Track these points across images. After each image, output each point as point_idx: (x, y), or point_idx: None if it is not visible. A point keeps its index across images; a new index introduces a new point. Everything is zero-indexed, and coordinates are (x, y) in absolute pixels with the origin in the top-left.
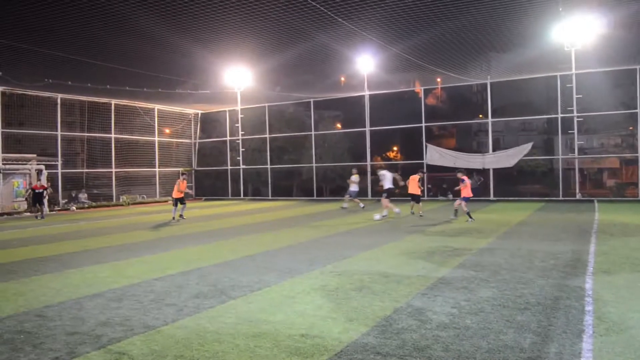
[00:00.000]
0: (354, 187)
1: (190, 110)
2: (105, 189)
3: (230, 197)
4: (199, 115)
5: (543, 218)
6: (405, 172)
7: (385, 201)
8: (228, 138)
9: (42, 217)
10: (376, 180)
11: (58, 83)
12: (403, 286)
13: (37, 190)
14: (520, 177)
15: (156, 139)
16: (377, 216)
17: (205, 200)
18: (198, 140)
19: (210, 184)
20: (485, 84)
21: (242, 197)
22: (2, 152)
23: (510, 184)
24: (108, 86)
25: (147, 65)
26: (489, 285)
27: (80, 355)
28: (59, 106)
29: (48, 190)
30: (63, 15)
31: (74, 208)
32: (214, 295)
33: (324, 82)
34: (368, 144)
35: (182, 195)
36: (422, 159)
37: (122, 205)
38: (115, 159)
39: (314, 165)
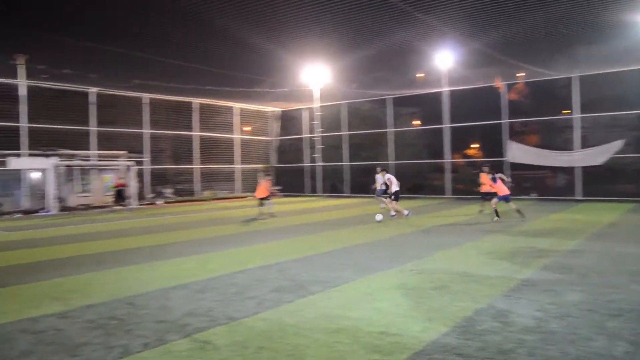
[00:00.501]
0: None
1: (269, 108)
2: (188, 185)
3: (307, 193)
4: (278, 113)
5: (635, 220)
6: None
7: (393, 203)
8: (306, 135)
9: (124, 211)
10: (456, 179)
11: (145, 84)
12: (484, 287)
13: (119, 187)
14: (610, 176)
15: (237, 136)
16: (379, 216)
17: (284, 196)
18: (277, 138)
19: (289, 181)
20: (572, 78)
21: (319, 193)
22: (95, 150)
23: (598, 183)
24: (192, 86)
25: (227, 65)
26: (576, 289)
27: (167, 342)
28: (147, 105)
29: (131, 185)
30: (149, 19)
31: (160, 202)
32: (293, 290)
33: (400, 78)
34: (448, 141)
35: (267, 194)
36: (504, 157)
37: (204, 200)
38: (198, 156)
39: (391, 162)
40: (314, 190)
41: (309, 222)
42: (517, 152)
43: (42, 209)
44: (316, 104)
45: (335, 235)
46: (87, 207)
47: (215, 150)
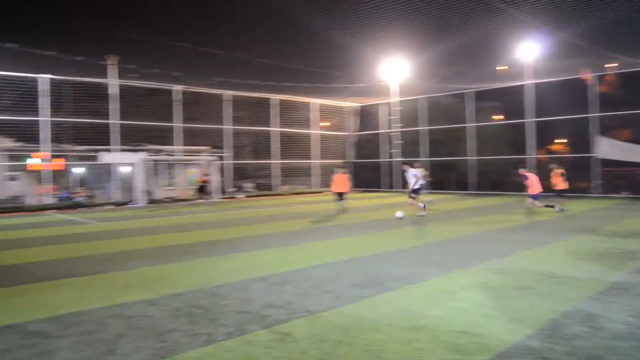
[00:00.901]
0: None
1: (347, 104)
2: (267, 179)
3: (384, 189)
4: (355, 108)
5: None
6: (575, 166)
7: (411, 200)
8: (383, 131)
9: (203, 204)
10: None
11: (227, 81)
12: (571, 289)
13: (203, 183)
14: None
15: (314, 132)
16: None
17: (362, 191)
18: (354, 133)
19: (366, 176)
20: None
21: (396, 189)
22: (180, 145)
23: None
24: (271, 82)
25: (306, 61)
26: None
27: (249, 332)
28: (230, 102)
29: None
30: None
31: (240, 196)
32: (371, 285)
33: (481, 71)
34: (532, 136)
35: (347, 188)
36: (593, 153)
37: (282, 194)
38: (277, 151)
39: (470, 158)
40: (390, 186)
41: (385, 218)
42: (608, 148)
43: (131, 201)
44: (394, 99)
45: (413, 231)
46: (172, 200)
47: (293, 146)
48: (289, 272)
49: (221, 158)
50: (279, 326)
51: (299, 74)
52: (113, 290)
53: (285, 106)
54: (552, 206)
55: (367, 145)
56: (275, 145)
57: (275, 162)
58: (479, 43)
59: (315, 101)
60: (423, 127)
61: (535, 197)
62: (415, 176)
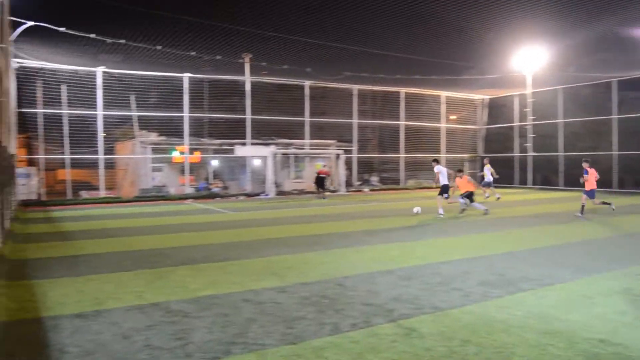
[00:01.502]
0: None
1: (477, 96)
2: (393, 173)
3: (516, 185)
4: (486, 100)
5: None
6: None
7: (439, 198)
8: (516, 124)
9: (324, 198)
10: None
11: (355, 75)
12: None
13: (321, 175)
14: None
15: (442, 125)
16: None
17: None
18: (484, 126)
19: (496, 172)
20: None
21: (529, 185)
22: (308, 139)
23: None
24: (398, 76)
25: (435, 52)
26: None
27: (374, 325)
28: (355, 96)
29: (340, 173)
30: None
31: (366, 190)
32: (501, 285)
33: (627, 58)
34: None
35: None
36: None
37: (408, 189)
38: (403, 145)
39: (614, 153)
40: (523, 182)
41: (517, 215)
42: None
43: (262, 192)
44: (528, 90)
45: (546, 230)
46: (300, 192)
47: (420, 140)
48: (416, 267)
49: (348, 151)
50: (405, 321)
51: (427, 66)
52: (245, 277)
53: (411, 99)
54: (609, 203)
55: (498, 139)
56: (402, 139)
57: (402, 155)
58: (626, 27)
59: (445, 94)
60: (560, 120)
61: (590, 193)
62: (438, 172)
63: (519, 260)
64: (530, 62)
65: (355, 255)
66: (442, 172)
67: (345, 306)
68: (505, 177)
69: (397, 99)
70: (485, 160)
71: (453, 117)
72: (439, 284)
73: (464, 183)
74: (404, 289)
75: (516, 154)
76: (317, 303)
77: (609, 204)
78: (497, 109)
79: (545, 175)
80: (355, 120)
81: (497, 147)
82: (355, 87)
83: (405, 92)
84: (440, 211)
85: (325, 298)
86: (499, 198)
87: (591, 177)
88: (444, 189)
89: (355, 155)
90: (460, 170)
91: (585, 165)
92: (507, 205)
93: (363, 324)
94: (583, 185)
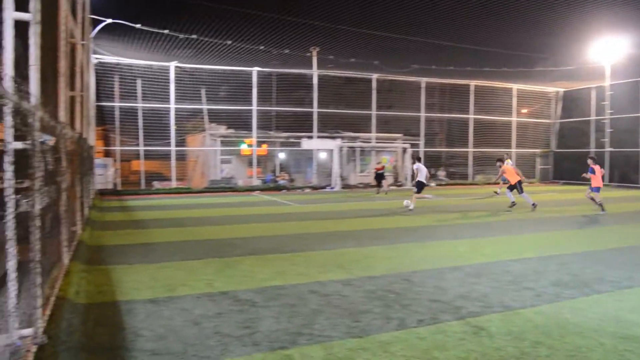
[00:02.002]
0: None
1: (551, 89)
2: (461, 168)
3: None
4: (560, 93)
5: None
6: None
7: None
8: (593, 117)
9: (380, 193)
10: None
11: (424, 68)
12: None
13: (378, 171)
14: None
15: (514, 119)
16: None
17: (563, 184)
18: (558, 120)
19: (570, 168)
20: None
21: (606, 183)
22: (374, 132)
23: None
24: (468, 68)
25: (507, 44)
26: None
27: (441, 322)
28: (423, 89)
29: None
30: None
31: (433, 185)
32: (575, 286)
33: None
34: None
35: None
36: None
37: (476, 184)
38: (472, 139)
39: None
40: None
41: (592, 214)
42: None
43: (328, 185)
44: (607, 82)
45: (624, 229)
46: (366, 186)
47: (489, 134)
48: (485, 264)
49: (414, 145)
50: (473, 319)
51: (499, 58)
52: (311, 268)
53: (482, 92)
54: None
55: (572, 134)
56: (471, 133)
57: (470, 150)
58: None
59: (516, 86)
60: None
61: (596, 190)
62: (417, 169)
63: (594, 261)
64: (609, 52)
65: (422, 251)
66: (420, 170)
67: (412, 302)
68: (580, 173)
69: (466, 91)
70: (419, 159)
71: (525, 110)
72: (510, 282)
73: (511, 173)
74: (473, 286)
75: (592, 149)
76: (383, 297)
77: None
78: (572, 102)
79: (624, 172)
80: (422, 114)
81: (572, 142)
82: (424, 80)
83: (475, 85)
84: (411, 206)
85: (392, 293)
86: (497, 193)
87: (597, 174)
88: (419, 185)
89: (422, 149)
90: (501, 160)
91: (590, 162)
92: (582, 203)
93: (430, 320)
94: (591, 182)
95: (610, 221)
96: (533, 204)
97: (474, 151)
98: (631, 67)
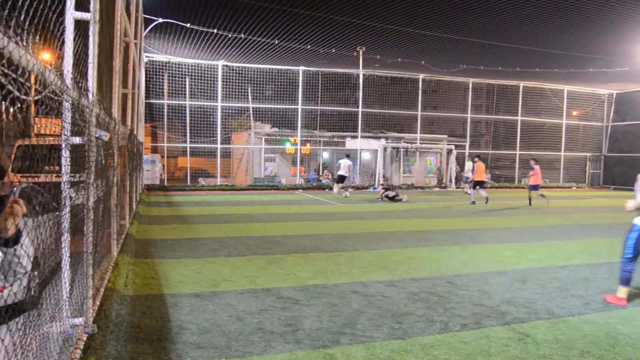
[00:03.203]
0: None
1: (603, 91)
2: (507, 171)
3: None
4: (613, 95)
5: None
6: None
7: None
8: None
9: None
10: None
11: (471, 68)
12: None
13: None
14: None
15: (564, 121)
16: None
17: (614, 189)
18: (610, 124)
19: (622, 172)
20: None
21: None
22: (419, 133)
23: None
24: (518, 68)
25: (558, 44)
26: None
27: (485, 327)
28: (470, 90)
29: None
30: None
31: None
32: (629, 295)
33: None
34: None
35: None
36: None
37: (522, 187)
38: (519, 142)
39: None
40: None
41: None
42: None
43: (372, 185)
44: None
45: None
46: (409, 187)
47: (538, 136)
48: (531, 270)
49: (459, 147)
50: (519, 325)
51: (549, 58)
52: (354, 268)
53: (530, 93)
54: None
55: (625, 138)
56: (518, 135)
57: (517, 152)
58: None
59: (568, 88)
60: None
61: (534, 188)
62: (337, 166)
63: None
64: None
65: (466, 254)
66: (342, 166)
67: (455, 305)
68: (633, 179)
69: (515, 92)
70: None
71: (575, 112)
72: (557, 289)
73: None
74: (518, 291)
75: None
76: (426, 300)
77: (530, 202)
78: (625, 105)
79: None
80: (469, 115)
81: (625, 146)
82: (470, 80)
83: (524, 86)
84: (344, 193)
85: (435, 295)
86: (467, 193)
87: (537, 174)
88: (341, 179)
89: (467, 151)
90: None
91: (532, 163)
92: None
93: (474, 324)
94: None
95: None
96: (473, 202)
97: (520, 154)
98: None
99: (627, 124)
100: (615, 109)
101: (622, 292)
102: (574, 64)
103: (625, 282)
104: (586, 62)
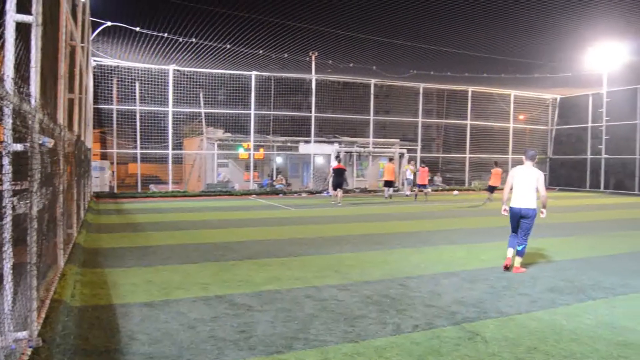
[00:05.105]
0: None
1: (548, 95)
2: (457, 174)
3: (587, 188)
4: (557, 100)
5: None
6: None
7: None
8: (590, 124)
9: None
10: None
11: (422, 73)
12: None
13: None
14: None
15: (511, 125)
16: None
17: (559, 190)
18: (555, 127)
19: (566, 174)
20: None
21: (601, 189)
22: (372, 137)
23: None
24: (467, 74)
25: (505, 51)
26: None
27: (436, 327)
28: (421, 95)
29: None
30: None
31: (428, 190)
32: (571, 292)
33: None
34: None
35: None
36: None
37: (473, 190)
38: (469, 145)
39: None
40: (595, 186)
41: (588, 221)
42: None
43: (325, 190)
44: (604, 89)
45: (620, 237)
46: (363, 191)
47: (487, 140)
48: (481, 270)
49: (410, 151)
50: (469, 324)
51: (497, 64)
52: (308, 273)
53: (479, 98)
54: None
55: (569, 141)
56: (467, 139)
57: (467, 156)
58: None
59: (513, 93)
60: (637, 121)
61: (420, 186)
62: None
63: (590, 267)
64: (606, 59)
65: (419, 256)
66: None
67: (407, 307)
68: (576, 180)
69: (464, 97)
70: (412, 162)
71: (522, 117)
72: (505, 288)
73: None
74: (469, 291)
75: (588, 156)
76: (379, 302)
77: (412, 195)
78: (569, 109)
79: (619, 179)
80: (420, 119)
81: (568, 149)
82: (421, 85)
83: (473, 91)
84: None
85: (388, 298)
86: (407, 195)
87: (423, 174)
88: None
89: (418, 155)
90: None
91: (420, 166)
92: (577, 209)
93: (425, 325)
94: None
95: (605, 228)
96: (407, 194)
97: (470, 157)
98: (628, 74)
99: (571, 127)
100: (559, 113)
101: None
102: (520, 70)
103: None
104: (532, 68)
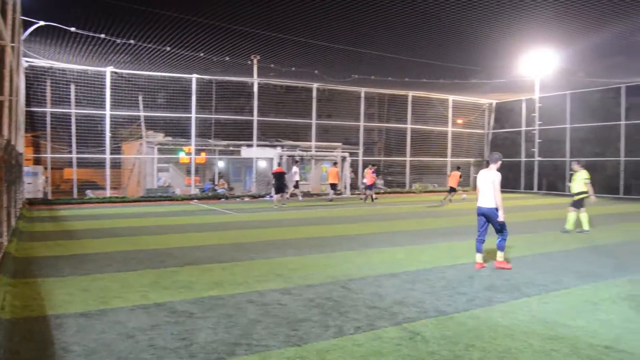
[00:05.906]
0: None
1: (484, 100)
2: (398, 177)
3: (522, 190)
4: (493, 105)
5: None
6: None
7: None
8: (523, 128)
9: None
10: None
11: (363, 78)
12: None
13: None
14: None
15: (449, 129)
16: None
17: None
18: (491, 131)
19: (502, 176)
20: None
21: (535, 190)
22: (314, 141)
23: None
24: (406, 79)
25: (443, 56)
26: None
27: (378, 328)
28: (362, 99)
29: (346, 176)
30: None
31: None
32: (506, 290)
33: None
34: None
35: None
36: None
37: (414, 192)
38: (409, 149)
39: (622, 159)
40: (529, 187)
41: (523, 221)
42: None
43: (267, 194)
44: (536, 95)
45: (552, 235)
46: (306, 194)
47: (426, 143)
48: (421, 271)
49: (353, 154)
50: (409, 324)
51: (435, 69)
52: (250, 278)
53: (419, 102)
54: (372, 199)
55: (504, 144)
56: (408, 142)
57: (407, 159)
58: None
59: (451, 97)
60: (567, 125)
61: (369, 187)
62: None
63: (524, 266)
64: (538, 66)
65: (361, 258)
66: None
67: (349, 309)
68: (511, 181)
69: (404, 102)
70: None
71: (460, 121)
72: (444, 287)
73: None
74: (409, 292)
75: (523, 158)
76: (321, 305)
77: (373, 199)
78: (504, 114)
79: (552, 181)
80: (361, 123)
81: (504, 152)
82: (363, 90)
83: (413, 96)
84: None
85: (330, 300)
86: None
87: (371, 176)
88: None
89: (361, 158)
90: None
91: (370, 168)
92: (512, 210)
93: (367, 327)
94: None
95: (539, 227)
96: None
97: (411, 160)
98: (559, 80)
99: (506, 131)
100: (495, 117)
101: None
102: (458, 75)
103: None
104: (468, 73)
